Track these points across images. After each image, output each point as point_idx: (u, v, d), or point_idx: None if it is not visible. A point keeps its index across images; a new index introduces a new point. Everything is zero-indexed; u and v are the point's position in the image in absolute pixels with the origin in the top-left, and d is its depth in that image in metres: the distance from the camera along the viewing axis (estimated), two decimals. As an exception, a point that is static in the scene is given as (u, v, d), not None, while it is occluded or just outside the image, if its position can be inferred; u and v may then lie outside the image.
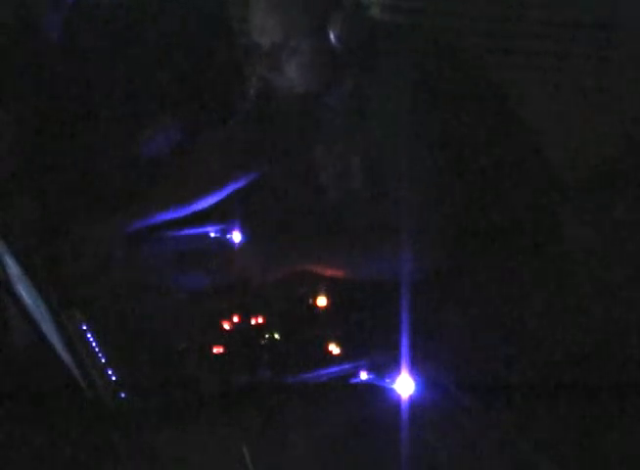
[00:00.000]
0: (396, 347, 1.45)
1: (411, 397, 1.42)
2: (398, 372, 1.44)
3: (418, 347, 1.45)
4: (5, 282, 1.32)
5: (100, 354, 1.48)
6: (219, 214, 1.99)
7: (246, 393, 1.45)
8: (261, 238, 1.89)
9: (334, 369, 1.50)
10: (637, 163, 2.11)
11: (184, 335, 1.56)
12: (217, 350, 1.53)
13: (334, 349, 1.55)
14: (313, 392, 1.47)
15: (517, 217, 1.74)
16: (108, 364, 1.45)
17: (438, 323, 1.61)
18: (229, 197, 1.97)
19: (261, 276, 1.72)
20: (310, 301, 1.67)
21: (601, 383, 1.54)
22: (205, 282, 1.76)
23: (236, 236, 1.95)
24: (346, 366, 1.50)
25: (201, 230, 1.97)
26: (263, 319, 1.61)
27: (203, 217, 1.97)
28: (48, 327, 1.38)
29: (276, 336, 1.57)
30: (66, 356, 1.38)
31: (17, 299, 1.32)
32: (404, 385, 1.43)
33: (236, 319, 1.61)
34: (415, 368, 1.44)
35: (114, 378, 1.43)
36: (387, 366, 1.47)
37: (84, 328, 1.54)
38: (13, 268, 1.41)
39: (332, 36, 1.69)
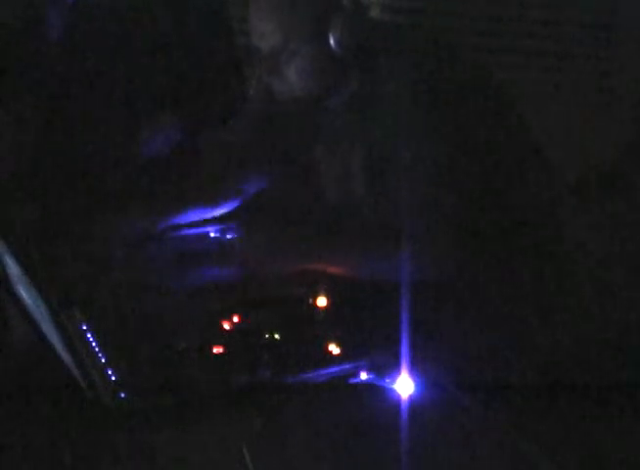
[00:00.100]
0: (396, 347, 1.45)
1: (411, 397, 1.42)
2: (398, 372, 1.44)
3: (418, 347, 1.45)
4: (5, 282, 1.32)
5: (100, 354, 1.48)
6: (219, 214, 1.98)
7: (246, 393, 1.45)
8: (264, 238, 1.89)
9: (334, 369, 1.50)
10: (637, 163, 2.11)
11: (184, 335, 1.56)
12: (217, 350, 1.53)
13: (334, 349, 1.55)
14: (313, 392, 1.47)
15: (516, 218, 1.74)
16: (108, 364, 1.45)
17: (438, 323, 1.61)
18: (229, 197, 1.97)
19: (265, 274, 1.72)
20: (310, 301, 1.67)
21: (601, 383, 1.54)
22: (205, 282, 1.76)
23: (236, 236, 1.95)
24: (346, 366, 1.50)
25: (201, 230, 1.97)
26: (263, 319, 1.61)
27: (202, 217, 1.97)
28: (48, 327, 1.38)
29: (276, 336, 1.57)
30: (66, 356, 1.38)
31: (17, 299, 1.32)
32: (404, 385, 1.43)
33: (236, 319, 1.61)
34: (415, 368, 1.44)
35: (113, 378, 1.43)
36: (387, 366, 1.47)
37: (84, 328, 1.54)
38: (13, 268, 1.41)
39: (331, 40, 1.69)
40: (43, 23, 2.00)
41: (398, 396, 1.43)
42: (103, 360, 1.47)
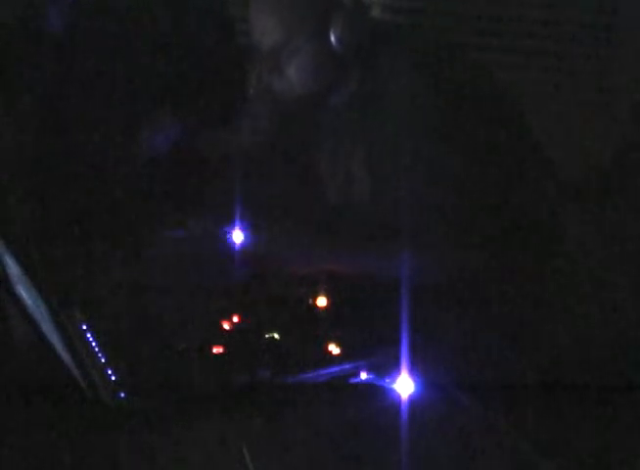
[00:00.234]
0: (396, 347, 1.45)
1: (411, 397, 1.42)
2: (398, 372, 1.44)
3: (418, 347, 1.45)
4: (5, 282, 1.32)
5: (100, 354, 1.48)
6: (219, 214, 1.98)
7: (246, 393, 1.45)
8: (264, 237, 1.89)
9: (334, 369, 1.50)
10: (637, 163, 2.11)
11: (184, 335, 1.56)
12: (217, 350, 1.53)
13: (334, 349, 1.55)
14: (313, 392, 1.47)
15: (516, 218, 1.74)
16: (107, 364, 1.45)
17: (438, 323, 1.60)
18: (229, 197, 1.97)
19: (265, 274, 1.72)
20: (310, 301, 1.67)
21: (601, 383, 1.54)
22: (205, 282, 1.76)
23: (236, 236, 1.95)
24: (346, 366, 1.50)
25: (201, 230, 1.97)
26: (263, 319, 1.61)
27: (203, 217, 1.97)
28: (48, 327, 1.38)
29: (276, 336, 1.57)
30: (65, 356, 1.38)
31: (17, 299, 1.32)
32: (404, 385, 1.43)
33: (236, 319, 1.61)
34: (415, 368, 1.44)
35: (113, 378, 1.43)
36: (387, 366, 1.47)
37: (84, 328, 1.54)
38: (13, 268, 1.41)
39: (332, 38, 1.69)
40: (43, 23, 2.00)
41: (398, 396, 1.42)
42: (103, 360, 1.46)
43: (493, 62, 2.02)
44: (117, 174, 2.05)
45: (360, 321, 1.61)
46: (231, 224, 1.96)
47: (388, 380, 1.46)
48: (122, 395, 1.40)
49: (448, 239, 1.67)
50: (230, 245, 1.94)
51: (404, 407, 1.41)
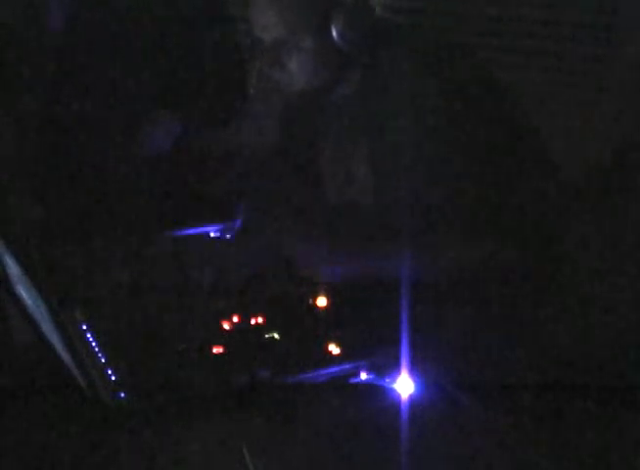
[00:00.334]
0: (396, 347, 1.45)
1: (411, 397, 1.42)
2: (398, 372, 1.44)
3: (418, 347, 1.45)
4: (5, 282, 1.32)
5: (100, 354, 1.48)
6: (219, 214, 1.98)
7: (246, 393, 1.45)
8: (265, 237, 1.89)
9: (334, 369, 1.50)
10: (638, 162, 2.11)
11: (184, 335, 1.56)
12: (217, 350, 1.53)
13: (334, 349, 1.55)
14: (313, 392, 1.47)
15: (516, 217, 1.74)
16: (107, 364, 1.45)
17: (438, 323, 1.60)
18: (230, 197, 1.97)
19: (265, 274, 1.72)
20: (310, 301, 1.67)
21: (601, 383, 1.54)
22: (205, 282, 1.76)
23: (236, 236, 1.95)
24: (346, 366, 1.50)
25: (201, 230, 1.97)
26: (263, 319, 1.61)
27: (203, 217, 1.97)
28: (48, 327, 1.38)
29: (276, 336, 1.57)
30: (65, 356, 1.38)
31: (17, 299, 1.32)
32: (404, 385, 1.43)
33: (236, 319, 1.61)
34: (415, 368, 1.44)
35: (113, 378, 1.43)
36: (387, 366, 1.47)
37: (84, 328, 1.54)
38: (13, 268, 1.41)
39: (334, 34, 1.69)
40: (43, 23, 2.00)
41: (398, 396, 1.43)
42: (103, 360, 1.47)
43: (493, 62, 2.02)
44: (118, 174, 2.05)
45: (360, 321, 1.61)
46: (231, 224, 1.96)
47: (388, 380, 1.46)
48: (122, 395, 1.40)
49: (448, 239, 1.66)
50: (230, 245, 1.94)
51: (404, 407, 1.41)
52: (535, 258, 1.74)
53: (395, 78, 1.71)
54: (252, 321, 1.61)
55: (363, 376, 1.49)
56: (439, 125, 1.69)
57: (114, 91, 2.02)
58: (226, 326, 1.60)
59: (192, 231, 1.95)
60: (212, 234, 1.97)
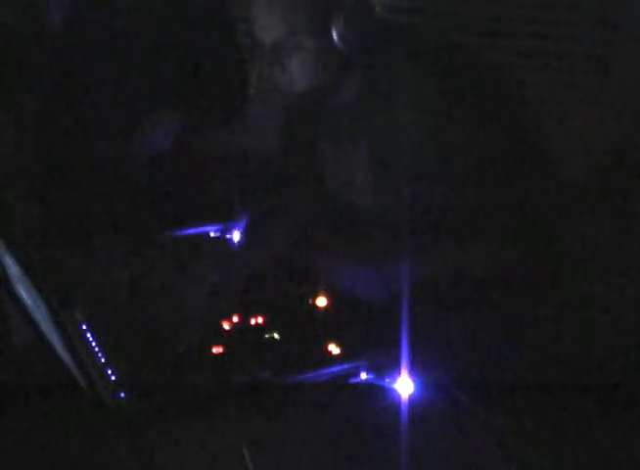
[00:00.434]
0: (396, 347, 1.45)
1: (411, 397, 1.42)
2: (398, 372, 1.44)
3: (418, 347, 1.45)
4: (5, 282, 1.32)
5: (100, 354, 1.48)
6: (219, 214, 1.98)
7: (246, 393, 1.45)
8: (265, 237, 1.89)
9: (334, 369, 1.50)
10: (637, 162, 2.11)
11: (184, 335, 1.56)
12: (217, 350, 1.53)
13: (334, 349, 1.55)
14: (313, 392, 1.47)
15: (516, 217, 1.74)
16: (107, 364, 1.45)
17: (438, 324, 1.61)
18: (230, 197, 1.97)
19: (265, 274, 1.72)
20: (310, 301, 1.67)
21: (601, 383, 1.54)
22: (205, 282, 1.76)
23: (236, 236, 1.95)
24: (346, 366, 1.50)
25: (201, 230, 1.97)
26: (263, 319, 1.61)
27: (203, 217, 1.97)
28: (48, 327, 1.38)
29: (276, 336, 1.57)
30: (66, 356, 1.38)
31: (17, 299, 1.32)
32: (404, 385, 1.43)
33: (236, 319, 1.61)
34: (415, 368, 1.44)
35: (113, 378, 1.43)
36: (387, 366, 1.47)
37: (84, 328, 1.54)
38: (13, 268, 1.41)
39: (335, 35, 1.69)
40: (44, 22, 2.00)
41: (398, 396, 1.43)
42: (102, 360, 1.47)
43: (494, 62, 2.02)
44: (118, 174, 2.05)
45: (360, 321, 1.61)
46: (231, 224, 1.97)
47: (388, 380, 1.46)
48: (122, 395, 1.40)
49: (448, 239, 1.66)
50: (230, 245, 1.94)
51: (404, 407, 1.41)
52: (535, 259, 1.74)
53: (395, 79, 1.71)
54: (252, 321, 1.61)
55: (363, 376, 1.49)
56: (439, 126, 1.68)
57: (115, 91, 2.02)
58: (226, 326, 1.60)
59: (192, 231, 1.95)
60: (212, 234, 1.97)
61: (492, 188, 1.73)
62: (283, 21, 1.70)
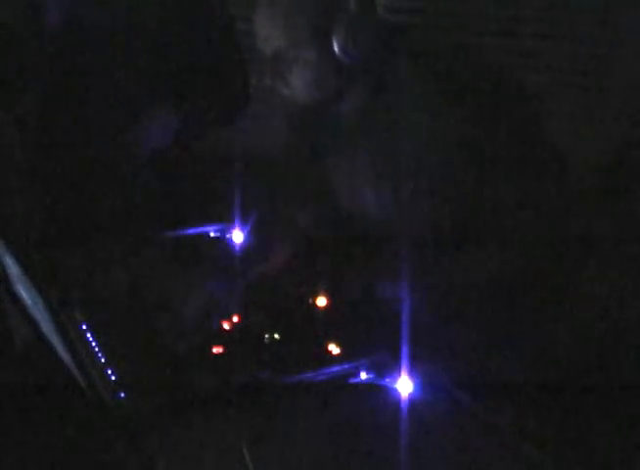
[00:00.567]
0: (396, 347, 1.45)
1: (411, 396, 1.42)
2: (398, 372, 1.44)
3: (418, 347, 1.45)
4: (5, 282, 1.32)
5: (100, 354, 1.48)
6: (219, 214, 1.98)
7: (246, 393, 1.45)
8: (265, 238, 1.89)
9: (334, 369, 1.50)
10: (637, 162, 2.11)
11: (184, 335, 1.56)
12: (217, 350, 1.53)
13: (334, 349, 1.55)
14: (313, 392, 1.47)
15: (516, 218, 1.74)
16: (107, 364, 1.45)
17: (438, 323, 1.61)
18: (230, 197, 1.97)
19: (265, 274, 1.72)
20: (310, 301, 1.67)
21: (601, 383, 1.54)
22: (205, 282, 1.76)
23: (236, 236, 1.95)
24: (346, 366, 1.50)
25: (201, 230, 1.97)
26: (263, 319, 1.61)
27: (203, 217, 1.97)
28: (48, 327, 1.38)
29: (276, 336, 1.57)
30: (65, 356, 1.38)
31: (17, 299, 1.32)
32: (404, 385, 1.43)
33: (236, 319, 1.61)
34: (415, 368, 1.44)
35: (113, 378, 1.43)
36: (387, 366, 1.47)
37: (84, 328, 1.54)
38: (13, 268, 1.41)
39: (335, 46, 1.69)
40: (44, 21, 2.00)
41: (398, 396, 1.42)
42: (102, 360, 1.46)
43: (494, 62, 2.02)
44: (118, 174, 2.05)
45: (360, 321, 1.61)
46: (230, 224, 1.96)
47: (388, 380, 1.46)
48: (122, 395, 1.40)
49: (449, 240, 1.67)
50: (230, 245, 1.94)
51: (404, 407, 1.41)
52: (535, 259, 1.74)
53: (396, 90, 1.71)
54: (252, 321, 1.61)
55: (363, 376, 1.49)
56: (439, 127, 1.69)
57: (115, 92, 2.02)
58: (226, 326, 1.60)
59: (192, 231, 1.95)
60: (212, 234, 1.97)
61: (492, 188, 1.73)
62: (284, 30, 1.70)
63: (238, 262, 1.81)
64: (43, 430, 1.35)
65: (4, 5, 1.99)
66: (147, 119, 2.06)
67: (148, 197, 2.05)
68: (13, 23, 1.97)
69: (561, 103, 2.24)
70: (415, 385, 1.43)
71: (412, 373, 1.44)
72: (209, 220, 1.98)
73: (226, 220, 1.97)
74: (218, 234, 1.97)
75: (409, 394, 1.42)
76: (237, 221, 1.93)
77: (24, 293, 1.37)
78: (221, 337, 1.56)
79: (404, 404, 1.41)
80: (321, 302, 1.67)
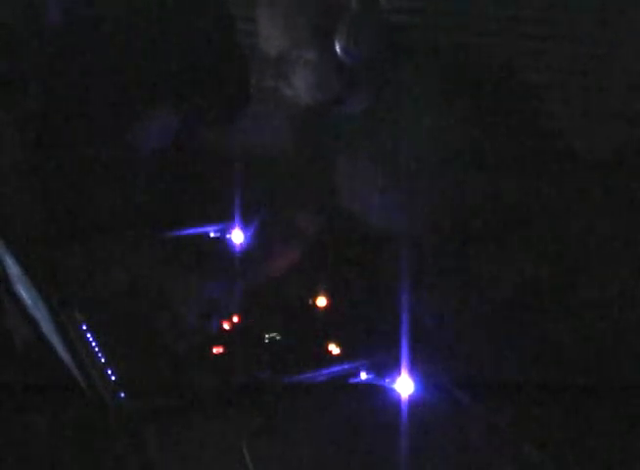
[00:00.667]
0: (396, 347, 1.45)
1: (411, 397, 1.42)
2: (398, 372, 1.44)
3: (418, 347, 1.45)
4: (5, 282, 1.32)
5: (100, 354, 1.48)
6: (219, 214, 1.98)
7: (246, 393, 1.45)
8: (265, 238, 1.89)
9: (334, 369, 1.50)
10: (637, 162, 2.11)
11: (184, 335, 1.56)
12: (217, 350, 1.53)
13: (334, 349, 1.55)
14: (313, 392, 1.47)
15: (516, 218, 1.74)
16: (107, 364, 1.45)
17: (438, 323, 1.60)
18: (229, 197, 1.97)
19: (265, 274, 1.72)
20: (310, 301, 1.67)
21: (601, 383, 1.54)
22: (205, 282, 1.76)
23: (236, 236, 1.95)
24: (346, 366, 1.50)
25: (201, 230, 1.97)
26: (263, 319, 1.61)
27: (203, 217, 1.97)
28: (48, 327, 1.38)
29: (276, 336, 1.57)
30: (66, 356, 1.38)
31: (17, 299, 1.32)
32: (404, 385, 1.43)
33: (236, 319, 1.61)
34: (414, 368, 1.44)
35: (113, 378, 1.43)
36: (387, 366, 1.47)
37: (84, 328, 1.54)
38: (13, 268, 1.41)
39: (338, 48, 1.69)
40: (43, 21, 2.00)
41: (398, 396, 1.42)
42: (102, 360, 1.46)
43: (494, 62, 2.02)
44: (118, 174, 2.05)
45: (360, 321, 1.61)
46: (230, 224, 1.96)
47: (388, 380, 1.46)
48: (122, 395, 1.40)
49: (448, 239, 1.66)
50: (230, 245, 1.94)
51: (404, 407, 1.41)
52: (535, 259, 1.74)
53: (397, 90, 1.71)
54: (252, 321, 1.61)
55: (363, 376, 1.49)
56: (439, 127, 1.69)
57: (116, 92, 2.02)
58: (226, 326, 1.60)
59: (192, 231, 1.95)
60: (212, 234, 1.97)
61: (492, 188, 1.73)
62: (287, 32, 1.70)
63: (238, 262, 1.81)
64: (43, 430, 1.35)
65: (4, 5, 1.99)
66: (147, 119, 2.06)
67: (148, 197, 2.05)
68: (13, 23, 1.97)
69: (561, 103, 2.24)
70: (415, 385, 1.43)
71: (412, 373, 1.44)
72: (209, 220, 1.98)
73: (226, 220, 1.97)
74: (218, 234, 1.97)
75: (409, 394, 1.42)
76: (237, 221, 1.93)
77: (24, 293, 1.38)
78: (221, 337, 1.56)
79: (404, 404, 1.41)
80: (321, 302, 1.67)
